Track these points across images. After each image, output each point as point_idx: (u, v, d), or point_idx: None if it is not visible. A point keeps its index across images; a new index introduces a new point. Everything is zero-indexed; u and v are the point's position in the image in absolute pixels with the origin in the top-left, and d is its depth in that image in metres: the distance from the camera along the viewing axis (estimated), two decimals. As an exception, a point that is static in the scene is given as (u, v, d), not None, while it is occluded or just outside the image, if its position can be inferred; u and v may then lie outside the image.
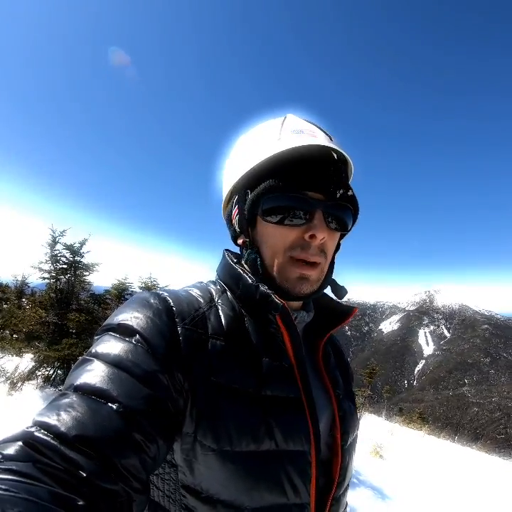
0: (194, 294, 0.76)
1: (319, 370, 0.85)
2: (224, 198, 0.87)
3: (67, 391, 0.55)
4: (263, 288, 0.71)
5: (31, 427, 0.49)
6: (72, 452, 0.46)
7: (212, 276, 0.89)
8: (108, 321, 0.66)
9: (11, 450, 0.45)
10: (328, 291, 0.87)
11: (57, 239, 7.03)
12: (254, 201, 0.74)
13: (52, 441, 0.47)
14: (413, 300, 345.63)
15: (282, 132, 0.76)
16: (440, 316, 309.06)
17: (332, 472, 0.78)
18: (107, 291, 8.66)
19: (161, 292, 0.72)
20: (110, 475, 0.48)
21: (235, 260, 0.82)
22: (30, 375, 5.97)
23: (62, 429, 0.48)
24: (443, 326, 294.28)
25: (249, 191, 0.76)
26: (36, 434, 0.47)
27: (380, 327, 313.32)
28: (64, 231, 7.12)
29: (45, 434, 0.47)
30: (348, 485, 0.87)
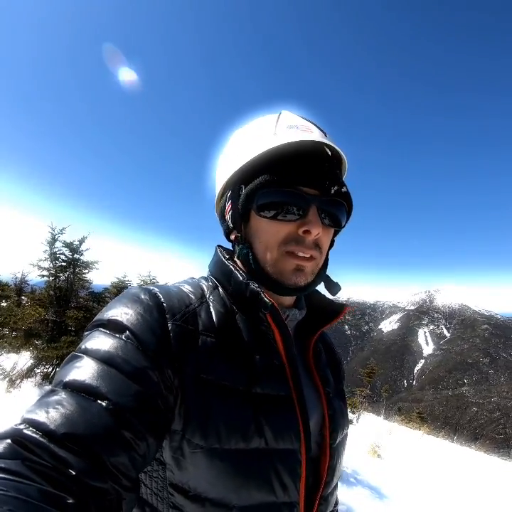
0: (185, 290, 0.75)
1: (310, 368, 0.85)
2: (217, 193, 0.86)
3: (57, 388, 0.54)
4: (253, 286, 0.71)
5: (20, 424, 0.49)
6: (61, 450, 0.46)
7: (205, 272, 0.89)
8: (98, 316, 0.66)
9: None
10: (321, 287, 0.86)
11: (56, 237, 7.03)
12: (248, 196, 0.73)
13: (41, 438, 0.46)
14: (413, 300, 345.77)
15: (278, 127, 0.76)
16: (440, 316, 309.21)
17: (320, 471, 0.77)
18: (106, 289, 8.66)
19: (151, 288, 0.71)
20: (99, 473, 0.48)
21: (228, 256, 0.82)
22: (28, 373, 5.98)
23: (51, 426, 0.48)
24: (443, 326, 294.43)
25: (243, 186, 0.75)
26: (25, 431, 0.47)
27: (379, 326, 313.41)
28: (63, 229, 7.12)
29: (33, 432, 0.47)
30: (336, 484, 0.86)
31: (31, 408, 0.51)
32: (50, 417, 0.49)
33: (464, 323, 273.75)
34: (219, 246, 0.87)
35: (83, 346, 0.60)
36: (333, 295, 0.87)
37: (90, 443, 0.48)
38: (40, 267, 7.01)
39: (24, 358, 6.27)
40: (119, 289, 8.48)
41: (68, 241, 7.14)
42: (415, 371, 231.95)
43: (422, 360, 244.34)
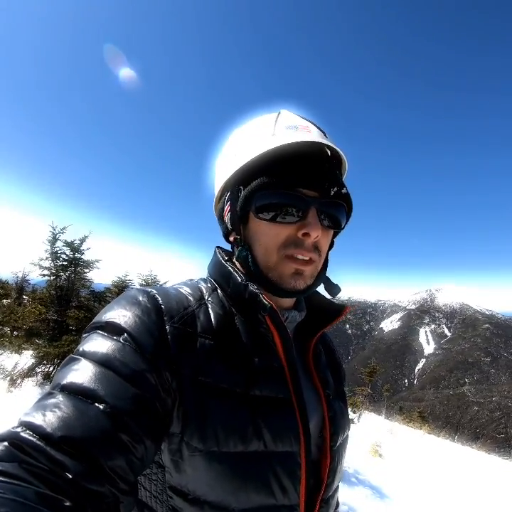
0: (184, 291, 0.75)
1: (309, 369, 0.84)
2: (216, 195, 0.85)
3: (54, 390, 0.54)
4: (252, 287, 0.70)
5: (17, 427, 0.49)
6: (58, 453, 0.46)
7: (204, 272, 0.88)
8: (96, 318, 0.66)
9: None
10: (321, 289, 0.86)
11: (57, 236, 7.04)
12: (246, 198, 0.73)
13: (37, 441, 0.46)
14: (414, 299, 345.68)
15: (276, 128, 0.75)
16: (441, 315, 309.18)
17: (321, 473, 0.77)
18: (107, 288, 8.67)
19: (150, 290, 0.71)
20: (96, 476, 0.47)
21: (227, 257, 0.81)
22: (29, 372, 5.98)
23: (48, 429, 0.48)
24: (444, 325, 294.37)
25: (241, 188, 0.74)
26: (22, 434, 0.47)
27: (380, 326, 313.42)
28: (64, 228, 7.13)
29: (30, 435, 0.47)
30: (338, 486, 0.86)
31: (28, 411, 0.51)
32: (47, 420, 0.49)
33: (465, 323, 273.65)
34: (218, 247, 0.87)
35: (81, 349, 0.60)
36: (333, 297, 0.87)
37: (87, 446, 0.48)
38: (41, 266, 7.02)
39: (25, 357, 6.28)
40: (120, 288, 8.49)
41: (69, 240, 7.15)
42: (416, 370, 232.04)
43: (423, 360, 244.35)
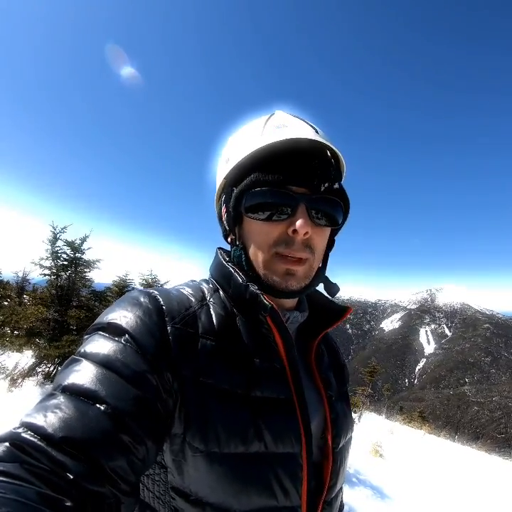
0: (185, 292, 0.75)
1: (311, 370, 0.84)
2: (215, 196, 0.86)
3: (55, 391, 0.54)
4: (253, 288, 0.70)
5: (18, 427, 0.49)
6: (59, 454, 0.46)
7: (206, 273, 0.89)
8: (98, 320, 0.66)
9: None
10: (320, 288, 0.85)
11: (57, 235, 7.03)
12: (237, 198, 0.73)
13: (39, 442, 0.47)
14: (414, 299, 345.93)
15: (266, 128, 0.75)
16: (441, 315, 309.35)
17: (323, 475, 0.77)
18: (107, 288, 8.67)
19: (151, 291, 0.71)
20: (97, 477, 0.48)
21: (228, 259, 0.81)
22: (30, 372, 5.99)
23: (49, 430, 0.48)
24: (444, 325, 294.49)
25: (234, 189, 0.75)
26: (23, 435, 0.47)
27: (381, 325, 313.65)
28: (65, 228, 7.12)
29: (31, 436, 0.47)
30: (341, 488, 0.86)
31: (30, 412, 0.51)
32: (48, 420, 0.49)
33: (466, 323, 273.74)
34: (219, 248, 0.87)
35: (82, 350, 0.60)
36: (332, 296, 0.87)
37: (88, 447, 0.48)
38: (41, 266, 7.02)
39: (26, 357, 6.28)
40: (120, 288, 8.49)
41: (70, 240, 7.14)
42: (416, 370, 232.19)
43: (424, 359, 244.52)
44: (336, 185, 0.74)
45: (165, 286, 0.81)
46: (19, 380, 5.67)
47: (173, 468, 0.64)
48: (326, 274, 0.83)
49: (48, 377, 6.14)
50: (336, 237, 0.84)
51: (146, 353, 0.60)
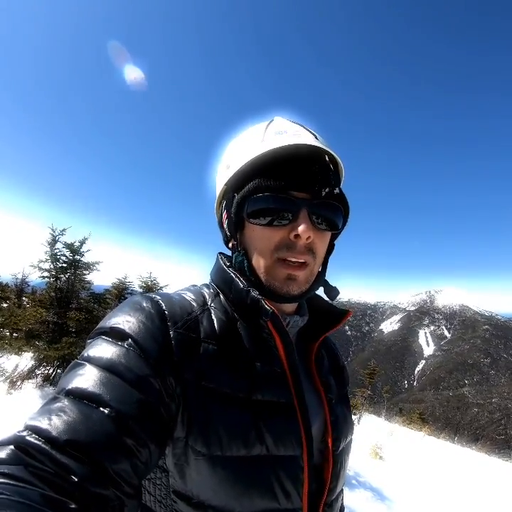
0: (187, 297, 0.76)
1: (311, 374, 0.85)
2: (216, 202, 0.87)
3: (59, 395, 0.54)
4: (254, 293, 0.71)
5: (23, 431, 0.49)
6: (64, 456, 0.47)
7: (206, 279, 0.89)
8: (101, 324, 0.66)
9: (2, 454, 0.45)
10: (320, 291, 0.86)
11: (57, 238, 7.03)
12: (239, 204, 0.74)
13: (43, 445, 0.47)
14: (413, 300, 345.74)
15: (266, 134, 0.76)
16: (440, 317, 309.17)
17: (324, 478, 0.77)
18: (107, 290, 8.66)
19: (153, 296, 0.72)
20: (101, 480, 0.48)
21: (228, 264, 0.82)
22: (29, 374, 5.98)
23: (54, 433, 0.48)
24: (443, 327, 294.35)
25: (235, 194, 0.75)
26: (27, 438, 0.48)
27: (380, 327, 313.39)
28: (64, 230, 7.12)
29: (36, 439, 0.48)
30: (341, 490, 0.86)
31: (34, 415, 0.52)
32: (53, 423, 0.49)
33: (465, 324, 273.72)
34: (220, 253, 0.88)
35: (86, 354, 0.61)
36: (332, 300, 0.87)
37: (92, 450, 0.49)
38: (40, 268, 7.02)
39: (25, 360, 6.27)
40: (119, 290, 8.49)
41: (69, 242, 7.14)
42: (416, 372, 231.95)
43: (423, 361, 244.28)
44: (337, 190, 0.75)
45: (164, 290, 0.81)
46: (18, 383, 5.66)
47: (174, 471, 0.64)
48: (326, 278, 0.84)
49: (48, 379, 6.14)
50: (335, 242, 0.84)
51: (149, 357, 0.61)
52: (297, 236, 0.70)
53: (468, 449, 13.44)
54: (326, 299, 0.89)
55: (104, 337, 0.63)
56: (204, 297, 0.78)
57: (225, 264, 0.81)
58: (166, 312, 0.68)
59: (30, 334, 6.51)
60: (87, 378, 0.55)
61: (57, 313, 6.84)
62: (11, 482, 0.42)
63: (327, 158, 0.76)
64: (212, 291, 0.81)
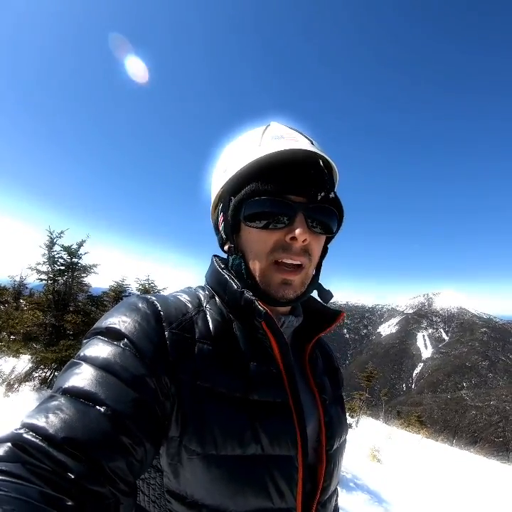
0: (182, 299, 0.77)
1: (306, 374, 0.86)
2: (211, 206, 0.88)
3: (56, 394, 0.55)
4: (248, 294, 0.72)
5: (20, 428, 0.50)
6: (60, 454, 0.47)
7: (201, 281, 0.90)
8: (97, 324, 0.67)
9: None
10: (314, 294, 0.87)
11: (54, 240, 7.02)
12: (236, 207, 0.75)
13: (40, 443, 0.48)
14: (411, 303, 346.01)
15: (263, 139, 0.78)
16: (438, 319, 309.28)
17: (317, 477, 0.78)
18: (104, 293, 8.65)
19: (149, 297, 0.73)
20: (98, 477, 0.49)
21: (223, 266, 0.83)
22: (27, 377, 5.96)
23: (51, 431, 0.49)
24: (441, 329, 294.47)
25: (232, 198, 0.77)
26: (25, 435, 0.48)
27: (378, 330, 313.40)
28: (62, 232, 7.11)
29: (33, 436, 0.48)
30: (335, 490, 0.87)
31: (31, 413, 0.53)
32: (50, 421, 0.50)
33: (463, 327, 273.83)
34: (215, 256, 0.89)
35: (82, 353, 0.62)
36: (326, 303, 0.89)
37: (89, 447, 0.50)
38: (38, 271, 7.00)
39: (22, 362, 6.25)
40: (117, 293, 8.48)
41: (67, 245, 7.13)
42: (414, 375, 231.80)
43: (421, 364, 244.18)
44: (332, 195, 0.76)
45: (162, 293, 0.83)
46: (16, 385, 5.64)
47: (169, 471, 0.65)
48: (320, 282, 0.85)
49: (45, 382, 6.11)
50: (329, 245, 0.86)
51: (145, 357, 0.61)
52: (293, 238, 0.72)
53: (467, 452, 13.44)
54: (320, 300, 0.90)
55: (100, 337, 0.64)
56: (199, 299, 0.79)
57: (220, 267, 0.82)
58: (162, 313, 0.69)
59: (27, 336, 6.49)
60: (83, 377, 0.56)
61: (55, 315, 6.82)
62: (9, 479, 0.42)
63: (322, 163, 0.78)
64: (207, 293, 0.82)
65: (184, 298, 0.77)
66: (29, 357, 6.32)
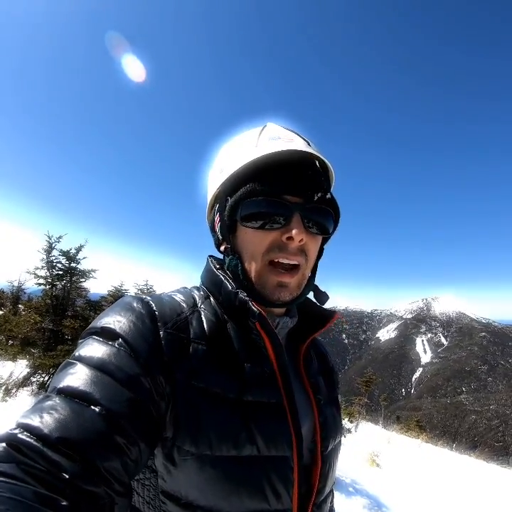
0: (177, 299, 0.77)
1: (300, 375, 0.85)
2: (207, 206, 0.88)
3: (51, 394, 0.56)
4: (242, 295, 0.72)
5: (15, 429, 0.50)
6: (55, 454, 0.47)
7: (196, 281, 0.91)
8: (92, 324, 0.67)
9: None
10: (310, 296, 0.87)
11: (53, 245, 7.02)
12: (232, 207, 0.76)
13: (35, 443, 0.48)
14: (410, 308, 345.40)
15: (260, 139, 0.78)
16: (437, 324, 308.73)
17: (313, 478, 0.78)
18: (103, 297, 8.64)
19: (143, 297, 0.73)
20: (92, 477, 0.49)
21: (218, 266, 0.83)
22: (24, 382, 5.94)
23: (45, 431, 0.49)
24: (440, 334, 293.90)
25: (229, 198, 0.77)
26: (19, 435, 0.48)
27: (377, 335, 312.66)
28: (60, 237, 7.11)
29: (28, 436, 0.48)
30: (331, 491, 0.87)
31: (26, 413, 0.53)
32: (44, 421, 0.50)
33: (462, 331, 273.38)
34: (210, 256, 0.89)
35: (77, 353, 0.62)
36: (322, 304, 0.89)
37: (83, 447, 0.49)
38: (37, 276, 6.99)
39: (20, 367, 6.23)
40: (115, 298, 8.47)
41: (65, 249, 7.13)
42: (413, 379, 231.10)
43: (420, 369, 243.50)
44: (328, 195, 0.77)
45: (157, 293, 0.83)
46: (14, 390, 5.62)
47: (163, 472, 0.65)
48: (316, 283, 0.86)
49: (43, 387, 6.09)
50: (325, 246, 0.87)
51: (139, 357, 0.62)
52: (290, 238, 0.72)
53: (467, 456, 13.38)
54: (315, 301, 0.90)
55: (95, 337, 0.64)
56: (194, 299, 0.79)
57: (215, 267, 0.82)
58: (156, 313, 0.69)
59: (25, 341, 6.48)
60: (78, 377, 0.56)
61: (53, 320, 6.81)
62: (3, 479, 0.42)
63: (318, 164, 0.79)
64: (202, 293, 0.82)
65: (179, 298, 0.77)
66: (27, 362, 6.30)
